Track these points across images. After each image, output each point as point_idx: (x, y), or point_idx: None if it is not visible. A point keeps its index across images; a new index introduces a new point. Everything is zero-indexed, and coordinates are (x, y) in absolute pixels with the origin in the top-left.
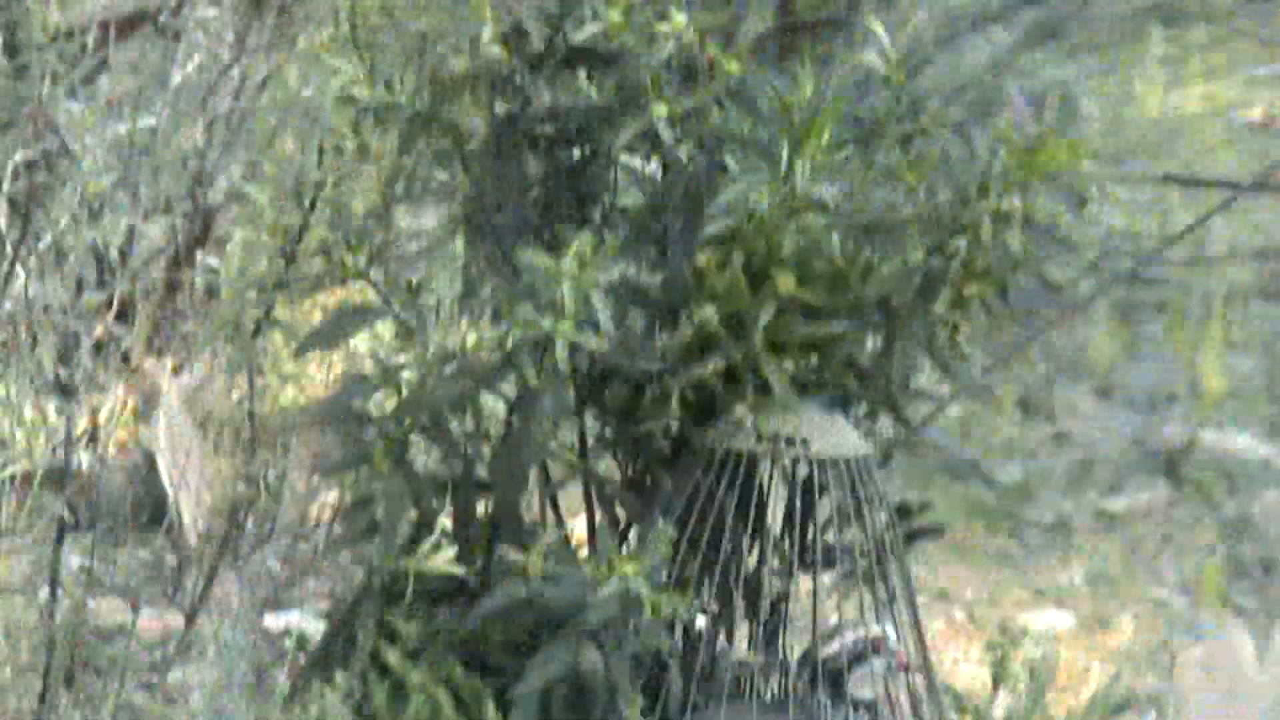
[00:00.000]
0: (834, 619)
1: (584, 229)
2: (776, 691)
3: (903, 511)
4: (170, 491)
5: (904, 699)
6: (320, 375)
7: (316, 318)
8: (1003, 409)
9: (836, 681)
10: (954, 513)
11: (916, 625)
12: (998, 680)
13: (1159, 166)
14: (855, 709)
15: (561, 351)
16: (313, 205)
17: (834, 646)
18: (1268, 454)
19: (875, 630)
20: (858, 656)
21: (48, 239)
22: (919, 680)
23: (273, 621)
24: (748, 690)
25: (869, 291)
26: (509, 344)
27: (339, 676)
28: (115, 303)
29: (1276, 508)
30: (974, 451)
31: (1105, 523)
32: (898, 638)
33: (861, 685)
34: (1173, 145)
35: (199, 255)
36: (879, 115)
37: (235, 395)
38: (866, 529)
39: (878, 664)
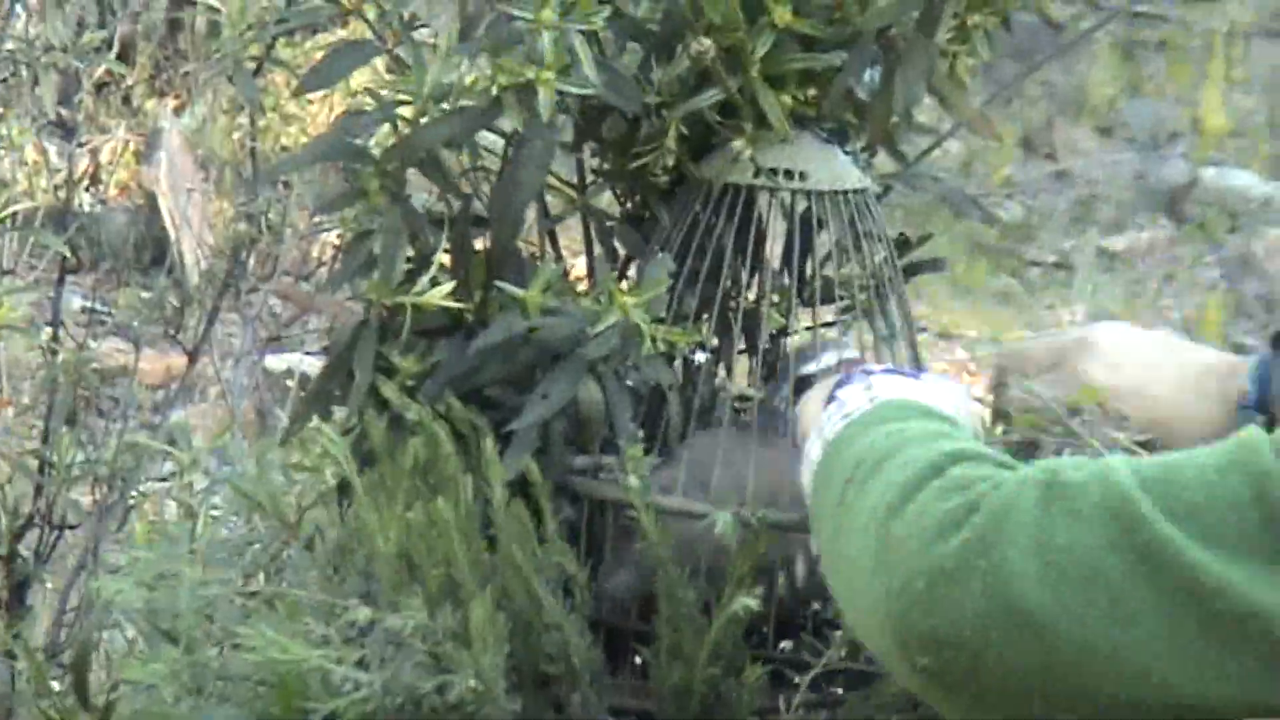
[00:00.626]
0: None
1: None
2: None
3: (902, 245)
4: (172, 232)
5: None
6: (322, 115)
7: (318, 58)
8: (1004, 147)
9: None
10: (956, 249)
11: (916, 362)
12: (997, 415)
13: None
14: None
15: (545, 99)
16: None
17: (811, 366)
18: (1269, 191)
19: (852, 353)
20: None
21: None
22: None
23: (275, 361)
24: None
25: (868, 22)
26: (497, 87)
27: (337, 412)
28: (116, 43)
29: (1278, 245)
30: (977, 187)
31: (1107, 261)
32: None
33: None
34: None
35: None
36: None
37: (236, 135)
38: (865, 263)
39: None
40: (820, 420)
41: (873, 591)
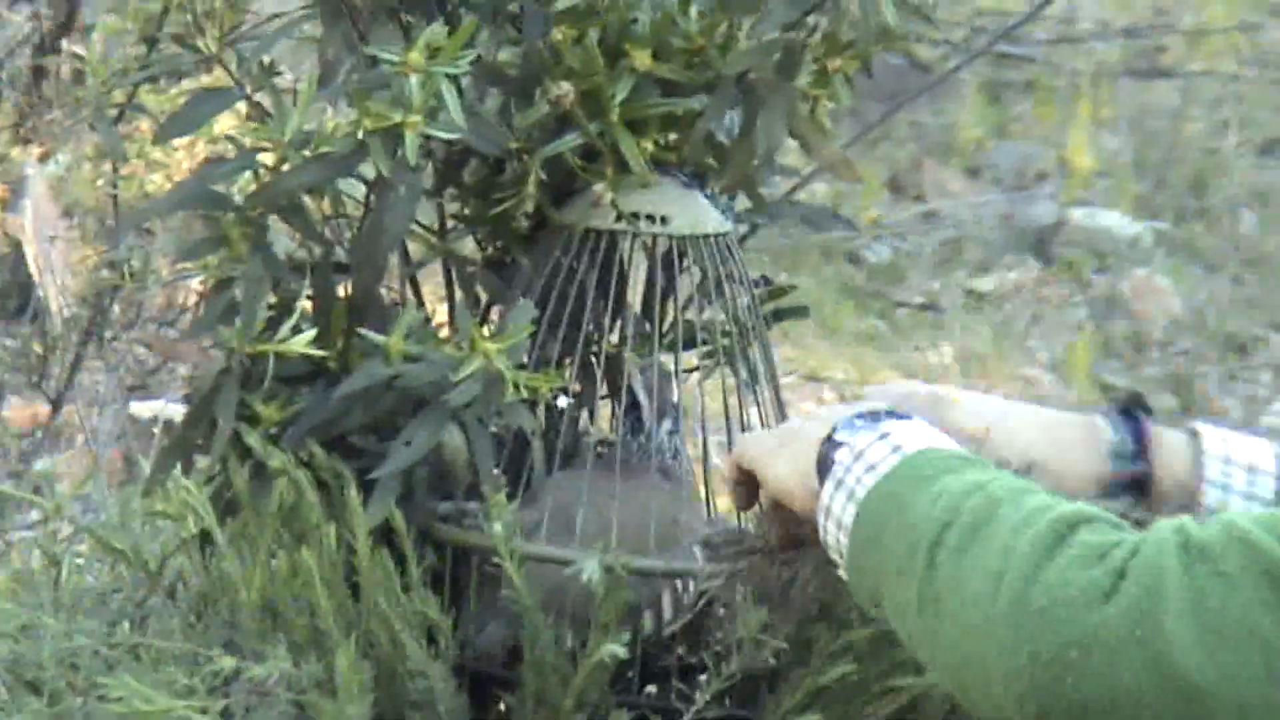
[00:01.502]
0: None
1: (439, 11)
2: None
3: (770, 291)
4: (36, 279)
5: None
6: (187, 162)
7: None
8: (871, 188)
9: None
10: (823, 291)
11: (779, 403)
12: None
13: None
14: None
15: (412, 143)
16: None
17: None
18: (1136, 231)
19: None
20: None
21: None
22: None
23: (141, 408)
24: None
25: (729, 66)
26: (360, 134)
27: (199, 460)
28: None
29: (1144, 285)
30: (843, 224)
31: (975, 302)
32: (759, 416)
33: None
34: None
35: (64, 43)
36: None
37: (100, 182)
38: (728, 307)
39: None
40: (836, 472)
41: (1010, 661)
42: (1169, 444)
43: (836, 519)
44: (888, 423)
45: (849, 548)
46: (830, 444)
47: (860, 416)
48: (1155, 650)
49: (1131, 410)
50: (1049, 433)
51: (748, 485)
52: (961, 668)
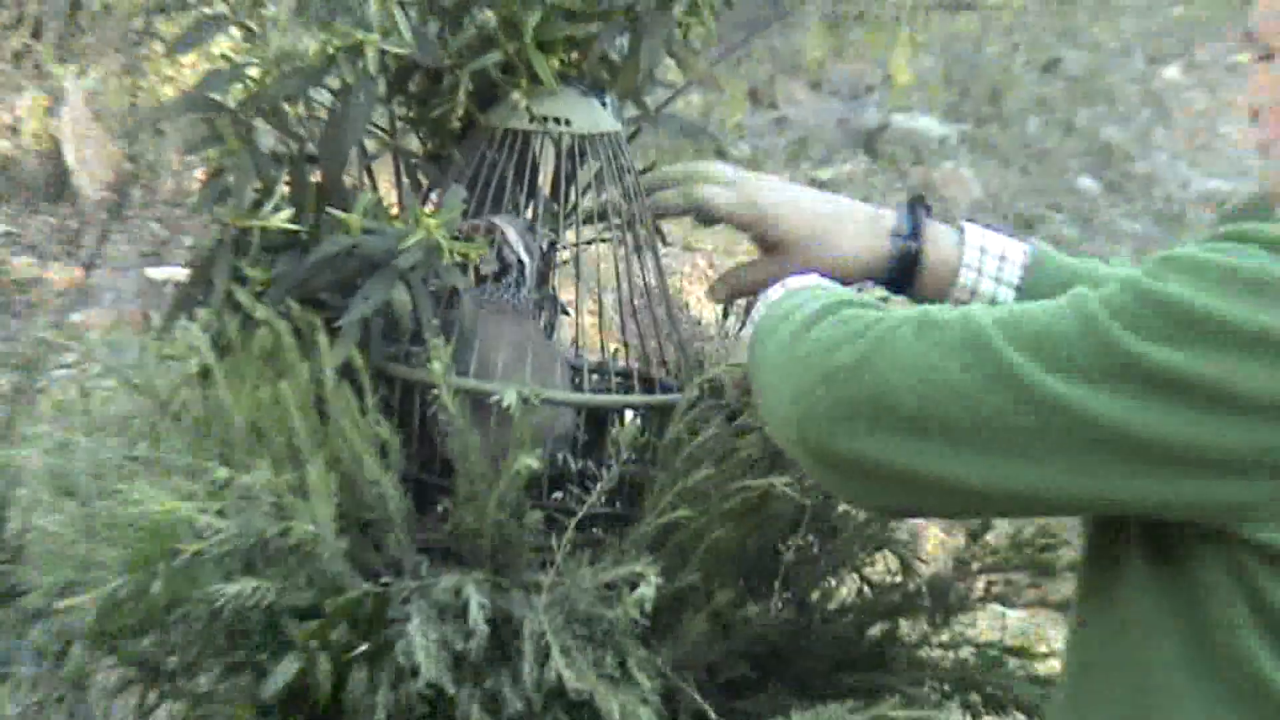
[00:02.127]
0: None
1: None
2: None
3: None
4: (73, 170)
5: (638, 320)
6: (191, 76)
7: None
8: (735, 99)
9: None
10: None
11: (659, 269)
12: (726, 312)
13: None
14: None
15: (371, 58)
16: None
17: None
18: (944, 132)
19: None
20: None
21: None
22: (660, 313)
23: (155, 272)
24: None
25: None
26: (329, 50)
27: (200, 312)
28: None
29: (951, 175)
30: (709, 137)
31: (818, 188)
32: (643, 279)
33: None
34: None
35: None
36: None
37: (126, 95)
38: (619, 192)
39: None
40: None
41: (783, 397)
42: (938, 231)
43: (746, 343)
44: (793, 278)
45: (749, 364)
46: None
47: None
48: (878, 391)
49: (914, 206)
50: (836, 210)
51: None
52: (770, 416)
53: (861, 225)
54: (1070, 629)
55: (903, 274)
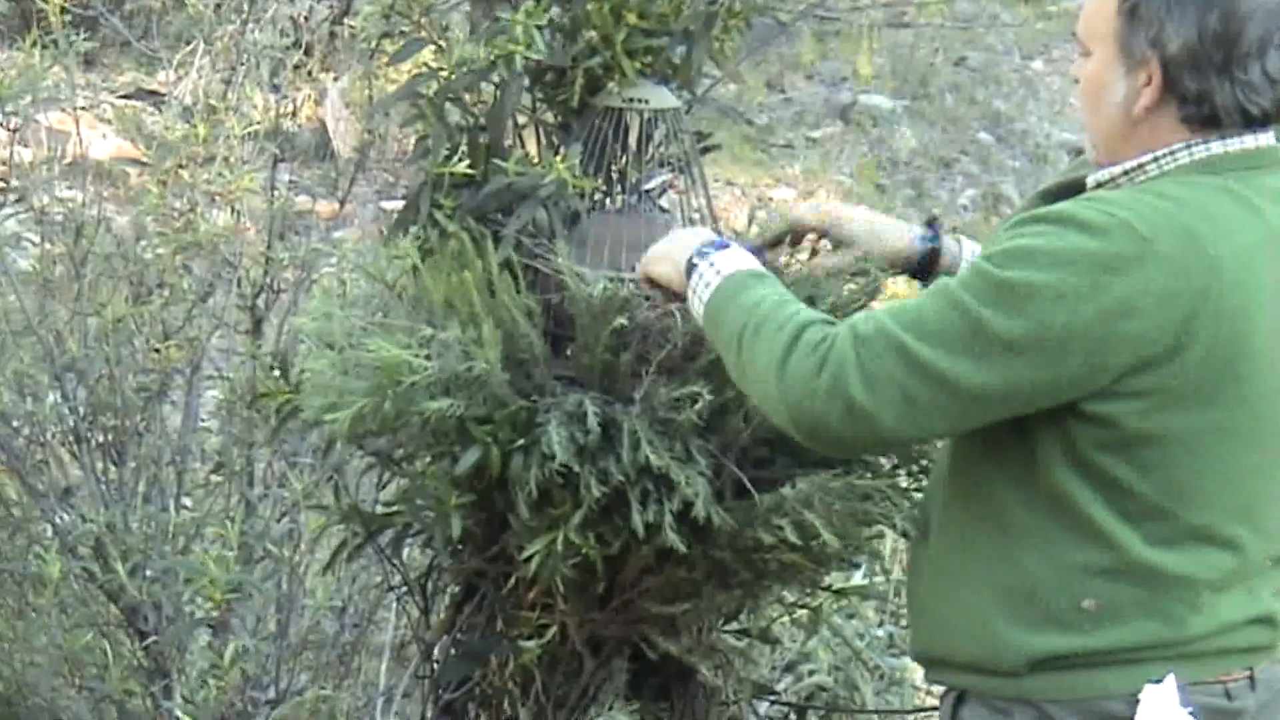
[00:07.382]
0: (659, 178)
1: None
2: None
3: (700, 137)
4: (332, 139)
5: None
6: (405, 77)
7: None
8: (756, 86)
9: (649, 197)
10: (731, 138)
11: (708, 197)
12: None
13: None
14: (661, 212)
15: (519, 61)
16: None
17: (653, 181)
18: (892, 106)
19: (669, 177)
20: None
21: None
22: (709, 220)
23: (386, 204)
24: None
25: (679, 22)
26: (491, 57)
27: (412, 229)
28: (303, 43)
29: (897, 134)
30: (743, 107)
31: (811, 144)
32: (694, 199)
33: (659, 198)
34: None
35: (345, 19)
36: None
37: (365, 91)
38: (680, 146)
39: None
40: (691, 284)
41: (778, 403)
42: (947, 239)
43: (696, 311)
44: (715, 254)
45: (706, 330)
46: (689, 263)
47: (705, 245)
48: (846, 397)
49: (931, 222)
50: (874, 223)
51: (653, 285)
52: (759, 400)
53: (891, 230)
54: (926, 528)
55: (923, 265)
